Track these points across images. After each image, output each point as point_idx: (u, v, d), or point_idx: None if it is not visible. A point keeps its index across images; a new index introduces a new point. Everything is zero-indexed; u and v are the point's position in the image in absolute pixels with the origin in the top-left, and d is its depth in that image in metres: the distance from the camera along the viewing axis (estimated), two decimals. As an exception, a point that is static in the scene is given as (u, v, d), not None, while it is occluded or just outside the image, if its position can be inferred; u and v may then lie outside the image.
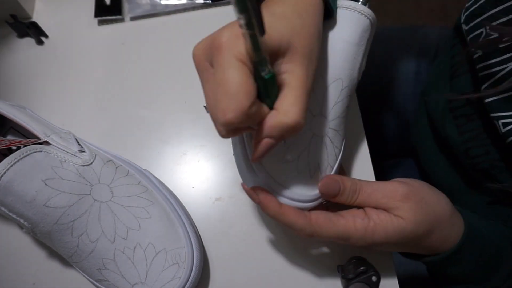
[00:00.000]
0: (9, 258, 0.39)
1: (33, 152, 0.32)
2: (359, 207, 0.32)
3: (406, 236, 0.31)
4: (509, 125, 0.35)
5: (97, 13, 0.49)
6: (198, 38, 0.26)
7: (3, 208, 0.31)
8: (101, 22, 0.50)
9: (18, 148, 0.32)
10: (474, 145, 0.42)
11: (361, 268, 0.33)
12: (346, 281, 0.34)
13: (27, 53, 0.48)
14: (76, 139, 0.37)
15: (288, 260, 0.38)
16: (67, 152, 0.34)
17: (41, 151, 0.33)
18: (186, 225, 0.35)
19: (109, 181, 0.35)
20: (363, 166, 0.41)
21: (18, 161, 0.31)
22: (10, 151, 0.37)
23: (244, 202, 0.40)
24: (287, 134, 0.26)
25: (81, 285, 0.38)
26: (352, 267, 0.34)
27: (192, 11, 0.50)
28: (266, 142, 0.26)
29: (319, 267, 0.37)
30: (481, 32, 0.39)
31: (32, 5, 0.50)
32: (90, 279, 0.34)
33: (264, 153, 0.26)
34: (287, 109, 0.25)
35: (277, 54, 0.26)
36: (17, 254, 0.39)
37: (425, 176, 0.57)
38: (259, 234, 0.39)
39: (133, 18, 0.50)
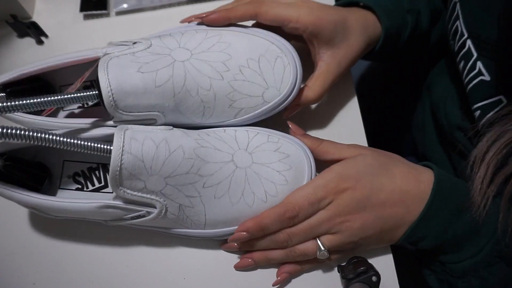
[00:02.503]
0: (9, 258, 0.39)
1: (109, 61, 0.33)
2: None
3: (370, 163, 0.35)
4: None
5: (83, 8, 0.49)
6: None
7: (134, 113, 0.33)
8: (86, 17, 0.50)
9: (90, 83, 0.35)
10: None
11: (361, 268, 0.33)
12: (346, 281, 0.34)
13: (27, 53, 0.48)
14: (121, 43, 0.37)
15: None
16: (127, 47, 0.35)
17: (112, 58, 0.33)
18: (257, 31, 0.38)
19: (176, 45, 0.36)
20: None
21: (107, 69, 0.32)
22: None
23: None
24: (307, 104, 0.40)
25: (81, 285, 0.38)
26: (352, 267, 0.34)
27: (178, 7, 0.50)
28: (294, 107, 0.39)
29: (319, 267, 0.37)
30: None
31: (32, 5, 0.50)
32: (229, 121, 0.37)
33: (291, 114, 0.40)
34: (313, 88, 0.39)
35: (327, 43, 0.38)
36: (17, 254, 0.39)
37: None
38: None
39: (118, 13, 0.50)
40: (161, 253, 0.38)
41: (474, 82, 0.38)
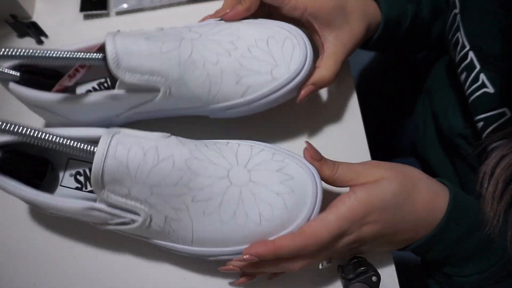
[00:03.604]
0: (9, 258, 0.39)
1: (118, 33, 0.34)
2: None
3: (395, 193, 0.32)
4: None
5: (83, 8, 0.49)
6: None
7: (137, 76, 0.33)
8: (86, 17, 0.50)
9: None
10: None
11: (361, 268, 0.33)
12: (346, 281, 0.34)
13: (27, 53, 0.48)
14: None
15: (288, 260, 0.38)
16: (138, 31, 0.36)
17: (121, 32, 0.34)
18: (265, 19, 0.39)
19: (188, 28, 0.37)
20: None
21: (115, 36, 0.33)
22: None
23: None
24: (322, 85, 0.38)
25: (81, 286, 0.38)
26: (352, 267, 0.34)
27: (178, 7, 0.50)
28: (309, 87, 0.38)
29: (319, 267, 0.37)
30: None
31: (32, 5, 0.50)
32: (236, 101, 0.36)
33: (306, 96, 0.38)
34: (327, 67, 0.38)
35: (328, 26, 0.38)
36: (17, 254, 0.39)
37: (429, 173, 0.57)
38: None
39: (118, 13, 0.50)
40: (161, 253, 0.38)
41: (477, 94, 0.38)
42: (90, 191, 0.37)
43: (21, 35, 0.49)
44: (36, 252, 0.39)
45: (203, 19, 0.40)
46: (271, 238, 0.32)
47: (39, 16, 0.50)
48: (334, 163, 0.34)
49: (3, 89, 0.36)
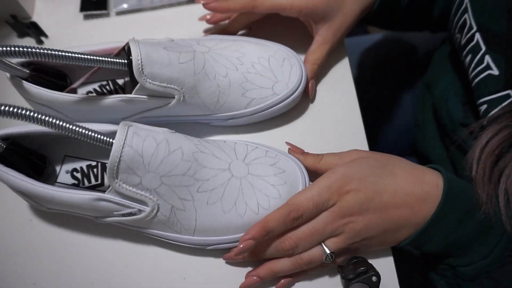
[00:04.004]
0: (9, 258, 0.39)
1: (138, 41, 0.35)
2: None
3: (373, 165, 0.35)
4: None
5: (83, 8, 0.49)
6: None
7: (156, 83, 0.35)
8: (86, 17, 0.50)
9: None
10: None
11: (361, 268, 0.33)
12: (346, 281, 0.34)
13: (27, 53, 0.48)
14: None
15: (288, 260, 0.38)
16: (152, 39, 0.38)
17: (140, 40, 0.36)
18: (266, 40, 0.44)
19: (197, 40, 0.41)
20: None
21: (138, 43, 0.35)
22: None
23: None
24: (315, 75, 0.43)
25: (81, 285, 0.38)
26: (352, 267, 0.34)
27: (178, 7, 0.50)
28: (312, 83, 0.43)
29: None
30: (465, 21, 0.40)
31: (32, 5, 0.50)
32: (240, 111, 0.40)
33: (313, 89, 0.44)
34: (315, 61, 0.43)
35: (323, 19, 0.41)
36: (17, 254, 0.39)
37: None
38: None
39: (118, 13, 0.50)
40: (161, 253, 0.38)
41: (481, 76, 0.38)
42: (87, 188, 0.38)
43: (21, 35, 0.49)
44: (36, 252, 0.39)
45: (208, 34, 0.45)
46: None
47: (39, 16, 0.50)
48: (317, 154, 0.38)
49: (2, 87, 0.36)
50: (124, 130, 0.32)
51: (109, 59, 0.34)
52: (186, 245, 0.37)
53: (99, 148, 0.33)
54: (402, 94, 0.65)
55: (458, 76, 0.47)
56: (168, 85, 0.36)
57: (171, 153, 0.33)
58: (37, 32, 0.48)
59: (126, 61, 0.35)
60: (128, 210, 0.33)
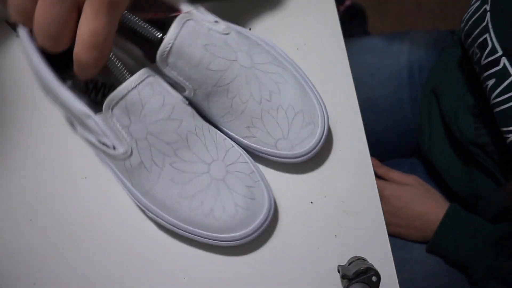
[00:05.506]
0: (9, 258, 0.39)
1: (187, 20, 0.34)
2: None
3: (415, 192, 0.54)
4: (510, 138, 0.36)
5: None
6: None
7: (174, 73, 0.34)
8: None
9: (157, 21, 0.36)
10: (490, 149, 0.42)
11: (361, 268, 0.33)
12: (346, 281, 0.34)
13: (27, 53, 0.48)
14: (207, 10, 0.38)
15: (288, 260, 0.38)
16: (208, 21, 0.36)
17: (192, 19, 0.34)
18: (314, 90, 0.39)
19: (246, 49, 0.37)
20: (363, 166, 0.41)
21: (183, 26, 0.33)
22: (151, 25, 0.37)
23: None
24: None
25: (81, 285, 0.38)
26: (352, 267, 0.34)
27: None
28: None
29: (319, 267, 0.37)
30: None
31: (32, 5, 0.50)
32: (236, 136, 0.39)
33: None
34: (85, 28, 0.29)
35: None
36: (17, 254, 0.39)
37: (434, 173, 0.58)
38: (255, 239, 0.39)
39: None
40: (161, 253, 0.38)
41: (510, 104, 0.36)
42: (92, 102, 0.38)
43: (21, 35, 0.49)
44: (36, 252, 0.39)
45: None
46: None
47: (39, 16, 0.50)
48: (388, 168, 0.59)
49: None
50: (142, 77, 0.33)
51: (145, 25, 0.34)
52: (133, 200, 0.37)
53: (114, 78, 0.34)
54: (402, 95, 0.65)
55: (469, 87, 0.45)
56: (184, 81, 0.35)
57: (168, 120, 0.34)
58: (37, 32, 0.47)
59: (158, 37, 0.34)
60: (106, 141, 0.34)
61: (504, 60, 0.36)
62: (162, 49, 0.33)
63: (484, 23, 0.37)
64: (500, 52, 0.36)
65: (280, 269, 0.37)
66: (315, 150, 0.37)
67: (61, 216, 0.40)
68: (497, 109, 0.37)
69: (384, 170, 0.58)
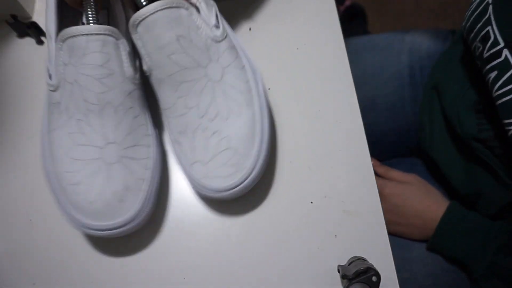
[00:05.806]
0: (9, 258, 0.39)
1: (180, 7, 0.34)
2: None
3: (415, 191, 0.54)
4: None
5: None
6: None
7: (140, 43, 0.35)
8: None
9: None
10: (492, 145, 0.42)
11: (361, 268, 0.33)
12: (346, 281, 0.34)
13: (27, 53, 0.48)
14: (216, 13, 0.38)
15: (288, 260, 0.38)
16: (205, 22, 0.36)
17: (187, 9, 0.35)
18: (264, 142, 0.36)
19: (225, 64, 0.36)
20: (363, 166, 0.41)
21: (167, 8, 0.34)
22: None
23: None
24: None
25: (81, 285, 0.38)
26: (352, 267, 0.34)
27: None
28: None
29: (319, 267, 0.37)
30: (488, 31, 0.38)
31: (32, 5, 0.50)
32: (170, 134, 0.38)
33: None
34: None
35: None
36: (17, 254, 0.39)
37: (434, 172, 0.58)
38: (255, 240, 0.39)
39: None
40: (161, 253, 0.38)
41: (511, 96, 0.36)
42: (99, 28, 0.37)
43: (21, 35, 0.49)
44: (36, 252, 0.39)
45: None
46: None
47: (39, 16, 0.50)
48: (387, 167, 0.58)
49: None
50: (99, 30, 0.33)
51: None
52: (40, 135, 0.38)
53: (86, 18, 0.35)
54: (403, 94, 0.65)
55: (471, 84, 0.46)
56: (145, 56, 0.35)
57: (97, 80, 0.34)
58: (37, 32, 0.47)
59: (142, 3, 0.35)
60: (49, 67, 0.35)
61: (506, 52, 0.36)
62: (136, 16, 0.34)
63: (487, 16, 0.38)
64: (502, 44, 0.36)
65: (280, 269, 0.37)
66: (223, 194, 0.34)
67: (61, 216, 0.39)
68: (499, 102, 0.38)
69: (384, 169, 0.58)
